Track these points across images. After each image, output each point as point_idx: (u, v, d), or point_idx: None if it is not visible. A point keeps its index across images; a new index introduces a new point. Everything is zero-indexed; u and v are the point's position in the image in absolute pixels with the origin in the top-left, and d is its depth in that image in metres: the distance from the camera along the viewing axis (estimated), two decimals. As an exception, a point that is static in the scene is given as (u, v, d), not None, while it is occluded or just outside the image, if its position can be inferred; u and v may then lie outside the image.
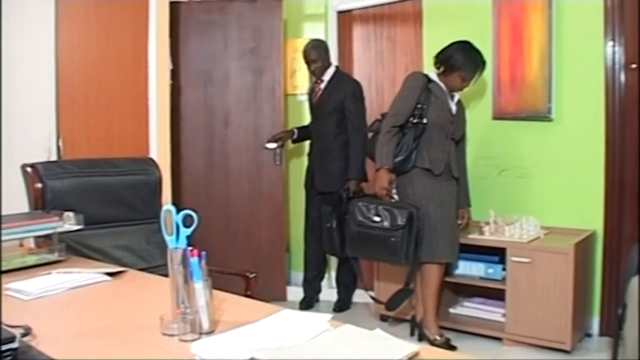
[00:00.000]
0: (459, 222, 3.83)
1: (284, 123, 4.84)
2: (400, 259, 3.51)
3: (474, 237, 3.78)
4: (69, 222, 2.45)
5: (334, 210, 4.03)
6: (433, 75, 3.67)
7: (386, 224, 3.52)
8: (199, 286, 1.48)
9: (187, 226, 1.54)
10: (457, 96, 3.73)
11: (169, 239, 1.55)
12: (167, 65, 4.14)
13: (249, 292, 2.66)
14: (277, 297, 4.64)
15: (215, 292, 1.86)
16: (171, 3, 4.29)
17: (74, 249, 2.71)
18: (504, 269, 3.68)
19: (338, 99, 4.35)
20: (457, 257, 3.72)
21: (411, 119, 3.57)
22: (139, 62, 3.87)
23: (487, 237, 3.75)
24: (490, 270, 3.77)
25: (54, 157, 3.47)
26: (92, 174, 2.85)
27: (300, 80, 5.19)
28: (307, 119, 5.16)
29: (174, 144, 4.27)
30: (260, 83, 4.84)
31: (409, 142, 3.55)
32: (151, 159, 3.08)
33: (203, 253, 1.50)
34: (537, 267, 3.48)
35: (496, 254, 3.71)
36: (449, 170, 3.66)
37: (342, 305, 4.56)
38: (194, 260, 1.47)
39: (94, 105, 3.74)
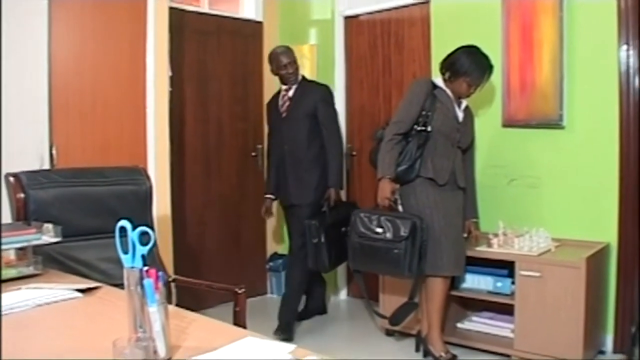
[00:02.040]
0: (465, 235, 3.68)
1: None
2: (404, 271, 3.38)
3: (481, 250, 3.63)
4: (48, 234, 2.35)
5: (320, 224, 3.89)
6: (439, 82, 3.54)
7: (389, 235, 3.40)
8: (154, 310, 1.36)
9: (144, 244, 1.43)
10: (464, 103, 3.60)
11: (125, 258, 1.44)
12: (166, 72, 4.04)
13: (237, 308, 2.54)
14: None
15: (185, 312, 1.77)
16: (171, 9, 4.22)
17: (58, 261, 2.63)
18: (513, 283, 3.52)
19: (308, 104, 4.14)
20: (464, 270, 3.58)
21: (415, 126, 3.44)
22: (136, 68, 3.78)
23: (496, 249, 3.59)
24: (499, 284, 3.61)
25: (46, 166, 3.39)
26: (78, 183, 2.76)
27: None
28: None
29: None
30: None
31: (413, 150, 3.43)
32: (142, 169, 2.98)
33: (160, 274, 1.39)
34: (548, 282, 3.32)
35: (505, 267, 3.56)
36: (455, 180, 3.53)
37: (314, 310, 4.53)
38: (147, 282, 1.35)
39: (89, 113, 3.65)
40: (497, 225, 3.73)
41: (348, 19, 4.95)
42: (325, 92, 4.23)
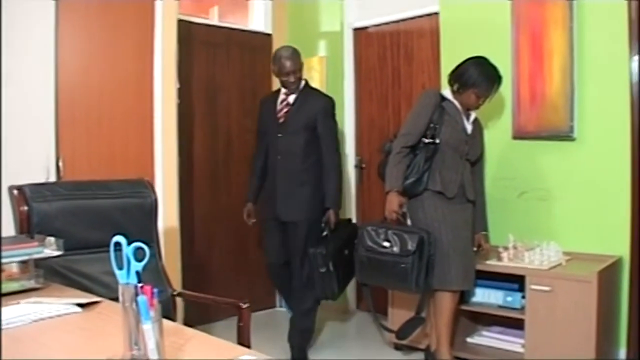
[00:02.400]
0: (475, 248, 3.63)
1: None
2: (411, 286, 3.34)
3: (491, 264, 3.57)
4: (50, 247, 2.33)
5: (327, 252, 3.72)
6: (447, 94, 3.51)
7: (396, 249, 3.36)
8: (148, 327, 1.33)
9: (139, 260, 1.40)
10: (473, 115, 3.57)
11: (119, 274, 1.42)
12: (174, 84, 4.03)
13: (241, 323, 2.51)
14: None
15: (185, 329, 1.74)
16: (179, 21, 4.22)
17: (61, 274, 2.61)
18: (523, 297, 3.46)
19: (309, 115, 3.87)
20: (473, 284, 3.53)
21: (423, 139, 3.41)
22: (143, 79, 3.78)
23: (506, 263, 3.54)
24: (509, 299, 3.55)
25: (52, 178, 3.38)
26: (82, 196, 2.74)
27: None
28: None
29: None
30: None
31: (420, 163, 3.40)
32: (147, 181, 2.96)
33: (155, 290, 1.36)
34: (558, 296, 3.26)
35: (515, 281, 3.50)
36: (463, 193, 3.49)
37: None
38: (141, 298, 1.33)
39: (95, 125, 3.65)
40: (507, 238, 3.68)
41: (357, 30, 4.94)
42: (327, 104, 3.97)
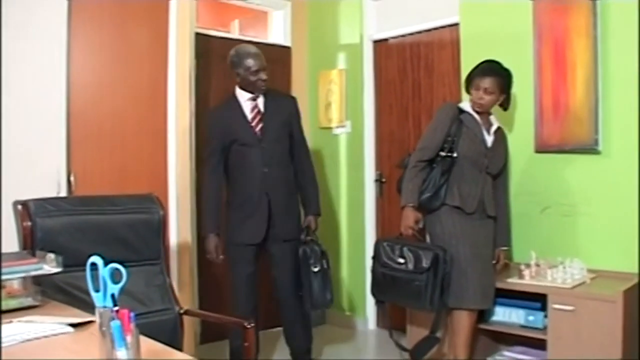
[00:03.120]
0: (494, 261, 3.52)
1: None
2: (425, 304, 3.25)
3: (512, 281, 3.44)
4: (50, 264, 2.29)
5: (315, 259, 3.54)
6: (466, 106, 3.43)
7: (410, 266, 3.29)
8: (122, 354, 1.26)
9: (116, 282, 1.34)
10: (495, 125, 3.48)
11: (96, 296, 1.35)
12: (188, 97, 3.99)
13: (246, 343, 2.44)
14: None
15: (172, 352, 1.67)
16: (197, 34, 4.21)
17: (65, 291, 2.57)
18: (546, 317, 3.32)
19: (283, 119, 3.61)
20: (492, 303, 3.41)
21: (440, 152, 3.32)
22: (157, 93, 3.75)
23: (527, 281, 3.41)
24: (531, 318, 3.42)
25: (63, 193, 3.35)
26: (87, 212, 2.71)
27: (335, 113, 4.99)
28: (343, 153, 4.98)
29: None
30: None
31: (437, 177, 3.32)
32: (154, 196, 2.91)
33: (132, 315, 1.29)
34: (582, 316, 3.12)
35: (538, 299, 3.37)
36: (483, 209, 3.38)
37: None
38: (115, 324, 1.26)
39: (108, 139, 3.62)
40: (529, 255, 3.56)
41: (377, 42, 4.87)
42: (296, 105, 3.75)
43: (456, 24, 4.23)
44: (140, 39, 3.74)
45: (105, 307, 1.35)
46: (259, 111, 3.58)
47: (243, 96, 3.59)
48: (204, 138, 3.89)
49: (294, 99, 3.79)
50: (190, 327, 3.53)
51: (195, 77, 4.24)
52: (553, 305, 3.22)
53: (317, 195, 3.76)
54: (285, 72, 5.10)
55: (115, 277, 1.37)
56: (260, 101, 3.59)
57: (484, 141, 3.40)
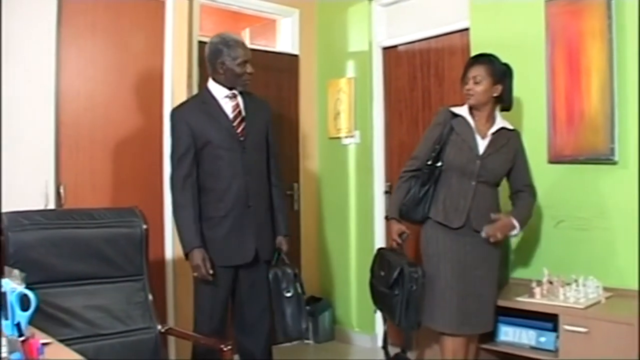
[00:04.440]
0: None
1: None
2: (394, 320, 3.12)
3: (522, 300, 3.24)
4: (15, 281, 2.16)
5: (288, 283, 3.12)
6: (460, 109, 3.22)
7: (387, 279, 3.16)
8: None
9: (24, 309, 1.20)
10: (497, 126, 3.17)
11: (5, 324, 1.21)
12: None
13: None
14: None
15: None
16: (200, 43, 4.09)
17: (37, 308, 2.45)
18: (558, 338, 3.11)
19: (261, 124, 3.20)
20: (477, 328, 3.17)
21: (427, 162, 3.15)
22: (152, 102, 3.63)
23: (538, 300, 3.20)
24: (542, 339, 3.21)
25: (51, 206, 3.25)
26: (64, 225, 2.60)
27: (344, 123, 4.84)
28: (352, 163, 4.83)
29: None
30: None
31: (416, 189, 3.16)
32: (137, 210, 2.79)
33: (40, 345, 1.15)
34: (596, 339, 2.90)
35: (550, 319, 3.16)
36: (470, 224, 3.10)
37: None
38: (15, 356, 1.11)
39: (100, 149, 3.53)
40: (541, 272, 3.35)
41: (386, 49, 4.72)
42: (271, 110, 3.36)
43: (466, 29, 4.06)
44: (134, 47, 3.65)
45: (12, 335, 1.20)
46: (240, 111, 3.14)
47: (220, 92, 3.11)
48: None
49: (269, 105, 3.39)
50: (187, 346, 3.35)
51: (198, 85, 4.11)
52: (565, 327, 3.02)
53: (286, 213, 3.37)
54: (293, 81, 4.98)
55: (24, 303, 1.22)
56: (241, 101, 3.16)
57: (474, 147, 3.13)
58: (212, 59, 3.10)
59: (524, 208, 3.26)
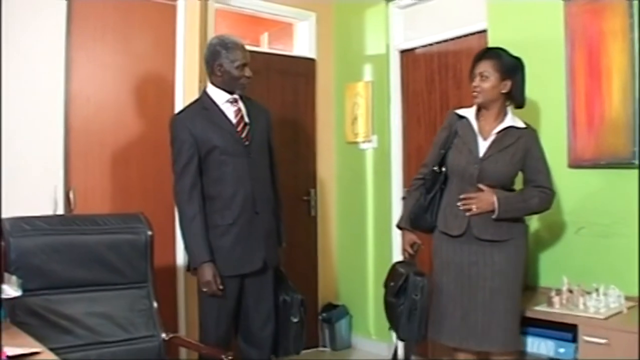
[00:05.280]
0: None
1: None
2: (396, 330, 3.08)
3: (540, 310, 3.13)
4: (12, 287, 2.14)
5: (295, 310, 3.13)
6: (466, 110, 3.10)
7: (394, 288, 3.10)
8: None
9: None
10: (503, 125, 2.97)
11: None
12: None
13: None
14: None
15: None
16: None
17: (38, 315, 2.44)
18: (578, 349, 3.00)
19: (262, 129, 3.14)
20: (485, 344, 2.97)
21: (434, 167, 3.06)
22: (163, 107, 3.59)
23: (557, 309, 3.09)
24: (562, 350, 3.09)
25: (60, 211, 3.23)
26: (66, 231, 2.58)
27: (362, 127, 4.77)
28: (370, 169, 4.76)
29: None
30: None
31: (422, 197, 3.07)
32: (142, 216, 2.75)
33: (5, 357, 1.10)
34: (616, 351, 2.78)
35: (570, 329, 3.04)
36: (471, 231, 2.95)
37: None
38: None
39: (110, 154, 3.51)
40: (561, 280, 3.23)
41: (403, 52, 4.64)
42: (271, 116, 3.29)
43: (484, 31, 3.96)
44: (145, 51, 3.62)
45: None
46: (242, 116, 3.08)
47: (220, 97, 3.05)
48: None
49: (269, 110, 3.32)
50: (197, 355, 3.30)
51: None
52: (584, 337, 2.90)
53: (283, 221, 3.32)
54: (310, 85, 4.92)
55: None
56: (242, 106, 3.11)
57: (474, 149, 2.99)
58: (210, 61, 3.04)
59: (518, 196, 2.97)
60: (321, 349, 4.84)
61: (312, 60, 4.95)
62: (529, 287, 3.54)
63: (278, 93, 4.75)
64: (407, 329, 3.00)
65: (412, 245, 3.16)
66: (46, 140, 3.24)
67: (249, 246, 3.00)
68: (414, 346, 3.23)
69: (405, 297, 2.99)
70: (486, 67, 2.96)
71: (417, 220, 3.09)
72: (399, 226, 3.23)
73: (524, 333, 3.18)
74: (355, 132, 4.84)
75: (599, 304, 3.03)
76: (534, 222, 3.55)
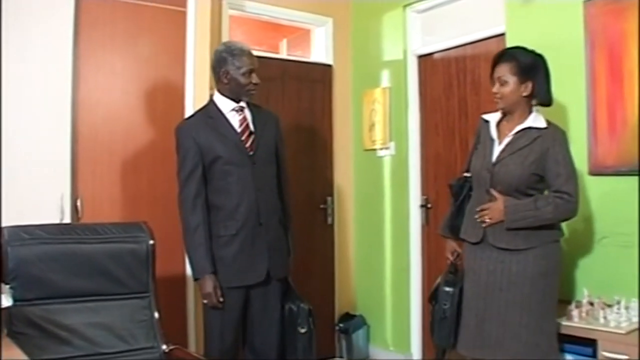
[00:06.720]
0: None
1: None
2: (432, 332, 3.08)
3: (559, 323, 3.00)
4: (5, 297, 2.11)
5: (303, 320, 3.04)
6: (491, 115, 3.05)
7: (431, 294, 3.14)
8: None
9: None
10: (526, 124, 2.83)
11: None
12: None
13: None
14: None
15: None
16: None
17: (36, 325, 2.40)
18: (599, 364, 2.87)
19: (269, 136, 3.07)
20: (498, 355, 2.82)
21: (464, 174, 3.00)
22: (173, 115, 3.52)
23: (576, 323, 2.96)
24: (581, 365, 2.97)
25: (67, 220, 3.19)
26: (66, 240, 2.54)
27: (379, 134, 4.68)
28: (387, 176, 4.67)
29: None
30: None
31: (454, 204, 3.03)
32: (144, 224, 2.70)
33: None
34: (638, 367, 2.65)
35: (589, 344, 2.91)
36: (487, 238, 2.85)
37: None
38: None
39: (118, 162, 3.46)
40: (581, 292, 3.11)
41: (421, 58, 4.54)
42: (280, 122, 3.21)
43: (502, 34, 3.85)
44: (154, 58, 3.58)
45: None
46: (247, 125, 3.02)
47: (226, 105, 3.00)
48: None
49: (277, 117, 3.24)
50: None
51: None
52: (603, 353, 2.79)
53: (292, 232, 3.24)
54: (327, 92, 4.85)
55: None
56: (248, 114, 3.05)
57: (488, 154, 2.90)
58: (217, 68, 2.99)
59: (530, 204, 2.76)
60: (337, 359, 4.74)
61: (329, 66, 4.88)
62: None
63: (294, 100, 4.69)
64: (438, 335, 3.02)
65: (452, 253, 3.13)
66: (53, 148, 3.20)
67: (252, 257, 2.94)
68: (444, 353, 3.17)
69: (437, 304, 3.02)
70: (504, 71, 2.85)
71: (452, 227, 3.06)
72: (441, 234, 3.22)
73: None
74: (373, 139, 4.75)
75: (620, 317, 2.90)
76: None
